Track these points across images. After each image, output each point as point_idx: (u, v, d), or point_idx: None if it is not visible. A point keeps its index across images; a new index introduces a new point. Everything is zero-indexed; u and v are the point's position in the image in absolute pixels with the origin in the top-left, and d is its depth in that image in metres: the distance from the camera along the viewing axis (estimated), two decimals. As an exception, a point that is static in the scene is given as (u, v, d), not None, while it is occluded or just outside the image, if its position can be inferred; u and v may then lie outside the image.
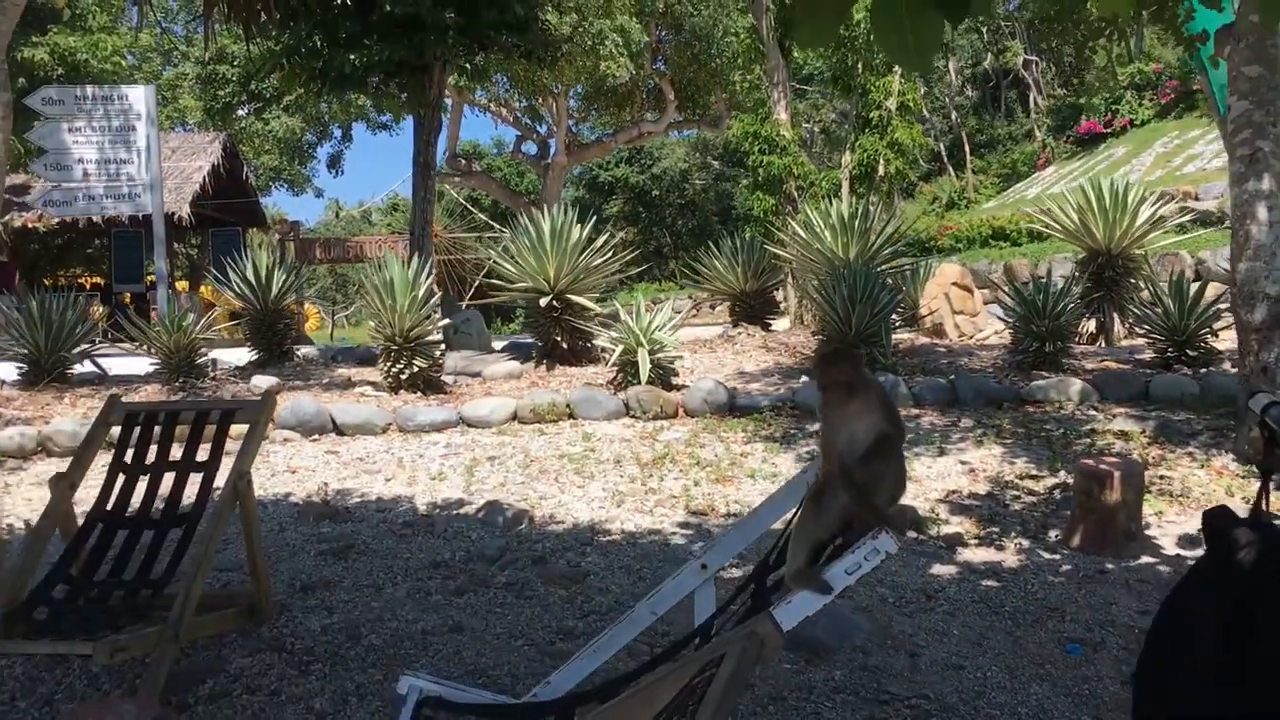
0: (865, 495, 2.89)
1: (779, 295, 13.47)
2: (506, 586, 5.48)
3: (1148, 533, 5.89)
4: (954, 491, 6.61)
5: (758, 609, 3.29)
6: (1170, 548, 5.76)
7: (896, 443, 2.94)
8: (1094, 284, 11.00)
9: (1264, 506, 2.53)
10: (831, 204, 11.86)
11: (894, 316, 9.57)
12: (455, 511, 6.65)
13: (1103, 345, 11.10)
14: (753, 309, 12.63)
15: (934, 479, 6.83)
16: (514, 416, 8.48)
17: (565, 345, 10.33)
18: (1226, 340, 9.92)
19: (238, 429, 4.98)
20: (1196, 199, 20.99)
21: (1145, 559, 5.56)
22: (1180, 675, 2.77)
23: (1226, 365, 9.27)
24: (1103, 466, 5.61)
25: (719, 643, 2.80)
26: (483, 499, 6.80)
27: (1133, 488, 5.58)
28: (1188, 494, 6.32)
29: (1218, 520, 2.63)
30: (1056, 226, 11.51)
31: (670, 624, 4.81)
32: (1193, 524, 6.01)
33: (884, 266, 10.27)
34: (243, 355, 11.89)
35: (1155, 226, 11.23)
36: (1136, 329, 10.43)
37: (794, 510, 3.66)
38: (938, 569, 5.50)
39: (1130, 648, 4.72)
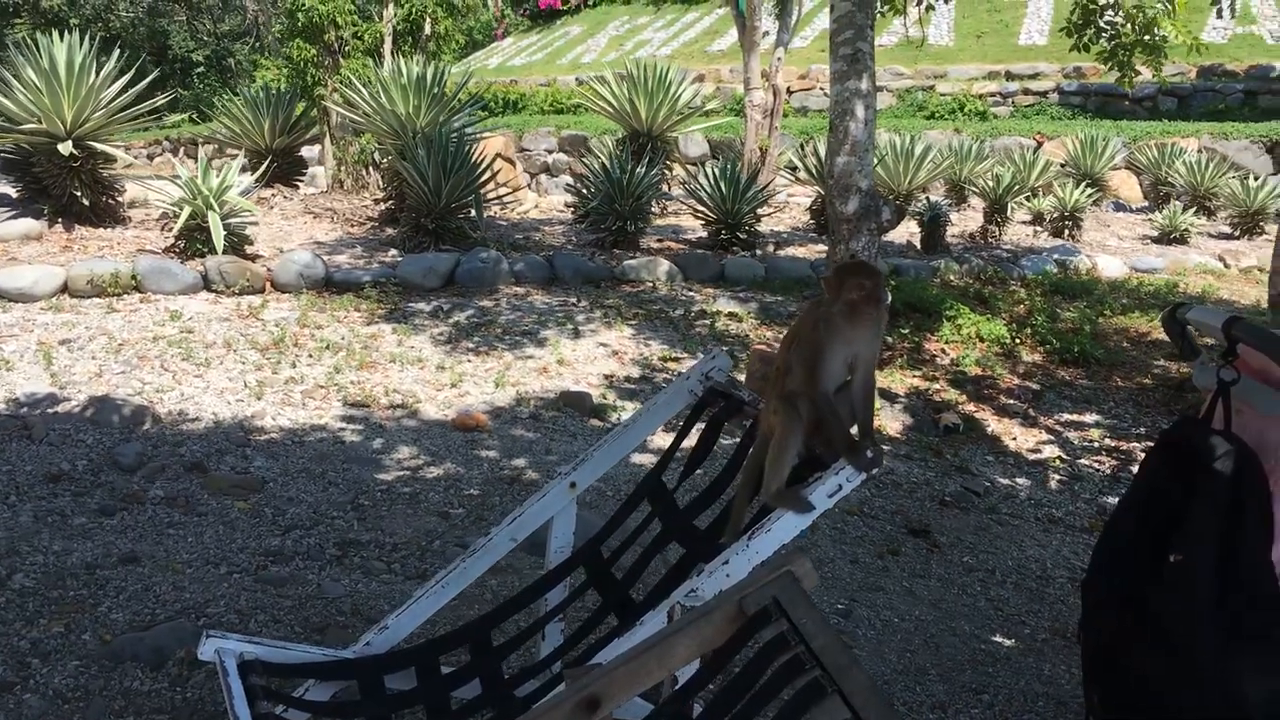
0: (844, 432, 2.72)
1: (305, 154, 12.39)
2: (167, 502, 4.58)
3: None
4: (610, 375, 6.57)
5: (691, 546, 2.98)
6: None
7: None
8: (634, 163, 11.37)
9: (1228, 419, 2.72)
10: (376, 60, 11.06)
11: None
12: (50, 409, 5.38)
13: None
14: (282, 168, 11.51)
15: (584, 362, 6.73)
16: (64, 289, 6.99)
17: (87, 202, 8.68)
18: (767, 224, 10.81)
19: None
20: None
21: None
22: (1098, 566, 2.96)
23: (771, 248, 10.09)
24: (775, 349, 5.83)
25: (742, 588, 2.48)
26: (80, 393, 5.56)
27: (803, 372, 5.87)
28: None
29: (1189, 429, 2.81)
30: (603, 103, 11.70)
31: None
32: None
33: (454, 134, 9.77)
34: None
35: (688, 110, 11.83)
36: (683, 207, 10.97)
37: (655, 426, 3.36)
38: (636, 459, 5.44)
39: (838, 526, 5.02)
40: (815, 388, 2.74)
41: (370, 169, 11.11)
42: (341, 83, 10.93)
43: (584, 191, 9.72)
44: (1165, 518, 2.76)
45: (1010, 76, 20.62)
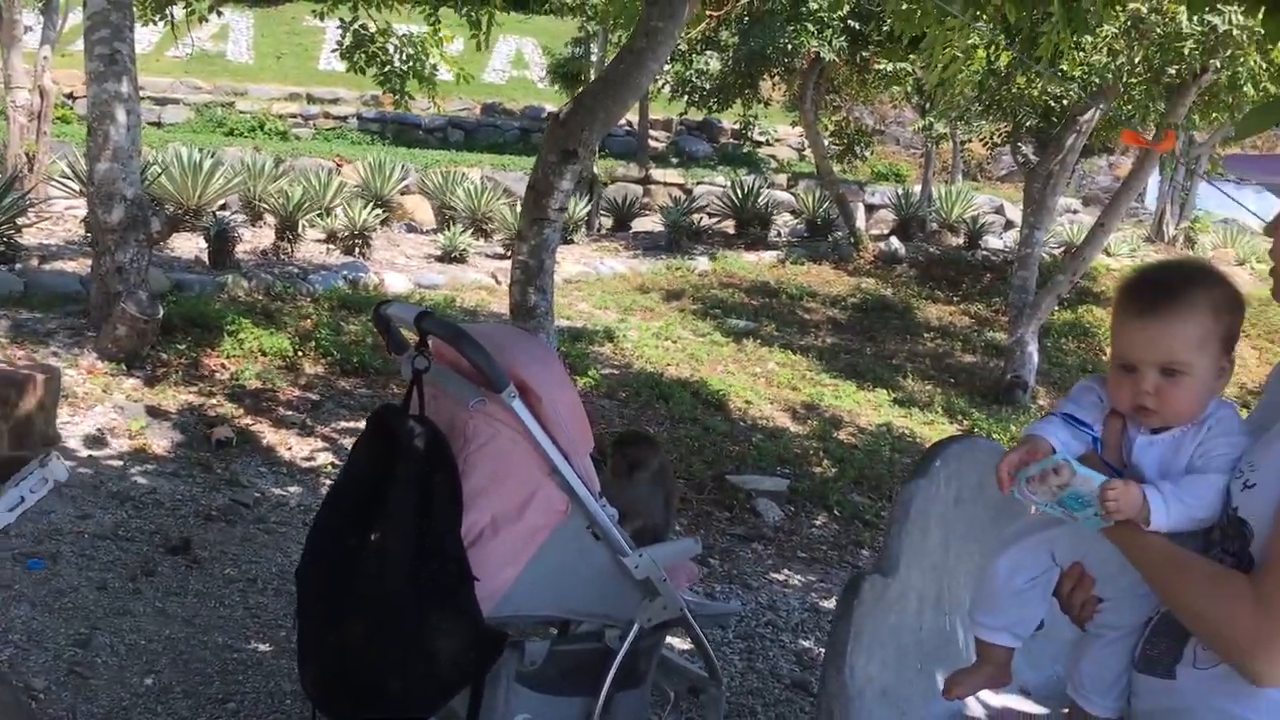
0: None
1: None
2: None
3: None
4: None
5: None
6: (80, 448, 5.72)
7: None
8: None
9: (421, 404, 2.93)
10: None
11: None
12: None
13: None
14: None
15: None
16: None
17: None
18: (35, 235, 9.82)
19: None
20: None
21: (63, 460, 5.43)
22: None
23: (35, 261, 9.17)
24: (22, 371, 5.29)
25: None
26: None
27: (51, 390, 5.39)
28: (74, 393, 6.27)
29: (387, 416, 2.97)
30: None
31: None
32: (90, 423, 6.04)
33: None
34: None
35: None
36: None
37: None
38: None
39: (86, 552, 4.68)
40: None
41: None
42: None
43: None
44: (369, 499, 2.92)
45: (312, 99, 20.91)
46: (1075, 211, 19.36)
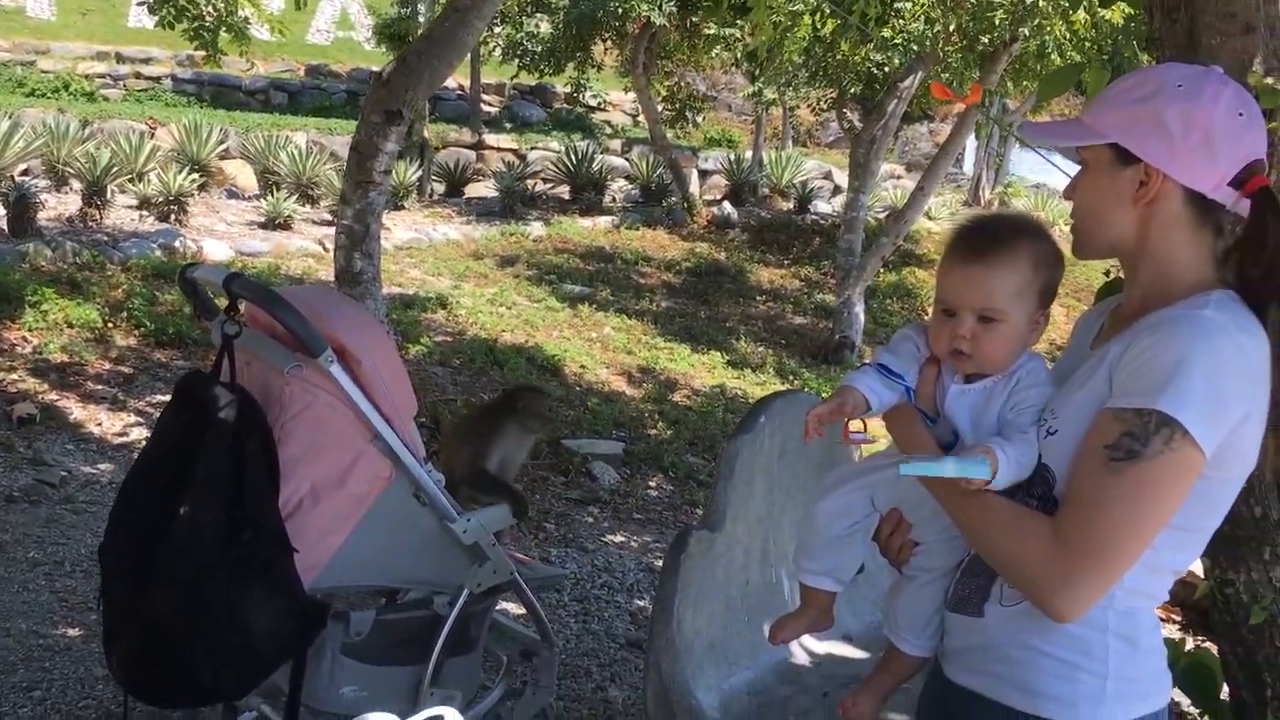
0: None
1: None
2: None
3: None
4: None
5: None
6: None
7: None
8: None
9: (233, 371, 2.78)
10: None
11: None
12: None
13: None
14: None
15: None
16: None
17: None
18: None
19: None
20: None
21: None
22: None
23: None
24: None
25: None
26: None
27: None
28: None
29: (194, 383, 2.81)
30: None
31: None
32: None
33: None
34: None
35: None
36: None
37: None
38: None
39: None
40: None
41: None
42: None
43: None
44: (177, 470, 2.77)
45: (121, 59, 19.81)
46: (898, 176, 19.96)
